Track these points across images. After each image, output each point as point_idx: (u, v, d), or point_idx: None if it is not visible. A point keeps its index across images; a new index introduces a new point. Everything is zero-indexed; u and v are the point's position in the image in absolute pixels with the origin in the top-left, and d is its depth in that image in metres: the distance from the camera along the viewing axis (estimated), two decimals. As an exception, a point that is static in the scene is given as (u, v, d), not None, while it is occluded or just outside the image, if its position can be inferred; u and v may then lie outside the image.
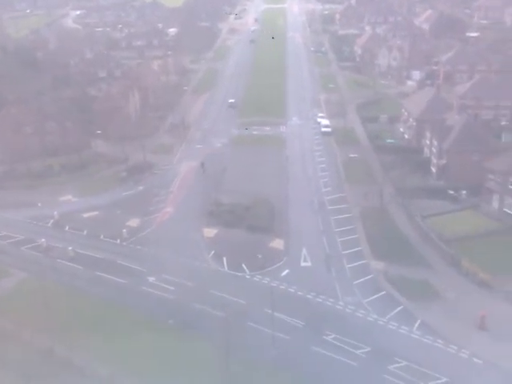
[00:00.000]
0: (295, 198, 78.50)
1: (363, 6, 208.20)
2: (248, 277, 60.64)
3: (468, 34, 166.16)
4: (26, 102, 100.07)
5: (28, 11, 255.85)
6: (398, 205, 74.54)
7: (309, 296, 56.89)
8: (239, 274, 61.23)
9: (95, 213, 75.49)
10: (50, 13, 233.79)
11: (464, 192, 76.60)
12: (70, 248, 66.30)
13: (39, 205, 78.17)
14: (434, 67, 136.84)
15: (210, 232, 69.95)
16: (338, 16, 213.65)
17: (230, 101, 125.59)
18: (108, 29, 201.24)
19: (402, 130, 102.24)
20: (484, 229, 67.91)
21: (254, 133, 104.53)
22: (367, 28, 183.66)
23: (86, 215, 74.96)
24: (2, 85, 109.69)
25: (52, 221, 73.77)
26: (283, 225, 71.12)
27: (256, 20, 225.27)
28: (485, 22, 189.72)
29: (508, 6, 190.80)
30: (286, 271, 61.34)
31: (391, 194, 76.70)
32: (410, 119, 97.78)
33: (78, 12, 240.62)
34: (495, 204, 73.52)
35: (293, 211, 74.86)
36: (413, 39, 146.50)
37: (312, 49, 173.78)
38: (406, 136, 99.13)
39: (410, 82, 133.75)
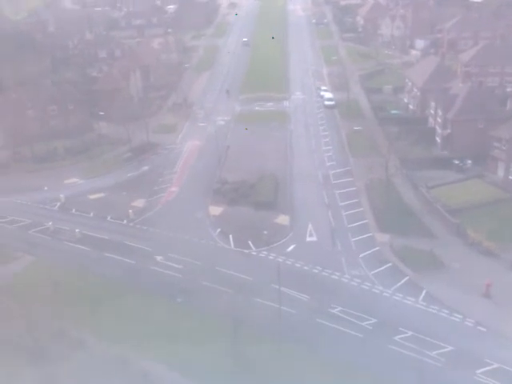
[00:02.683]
0: (300, 173, 78.52)
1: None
2: (254, 253, 61.07)
3: (472, 0, 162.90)
4: (27, 85, 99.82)
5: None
6: (403, 176, 74.37)
7: (315, 270, 57.29)
8: (245, 250, 61.65)
9: (101, 194, 75.87)
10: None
11: (469, 161, 76.32)
12: (78, 230, 66.85)
13: (45, 188, 78.56)
14: (438, 35, 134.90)
15: (216, 210, 70.23)
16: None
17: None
18: (107, 8, 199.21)
19: (406, 100, 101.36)
20: (489, 198, 67.77)
21: (257, 109, 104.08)
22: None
23: (91, 197, 75.34)
24: (3, 68, 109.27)
25: (58, 204, 74.28)
26: (288, 200, 71.24)
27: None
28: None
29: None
30: (292, 246, 61.69)
31: (396, 166, 76.25)
32: (414, 89, 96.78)
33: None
34: (500, 172, 73.25)
35: (297, 186, 74.95)
36: (416, 7, 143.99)
37: (314, 21, 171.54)
38: (411, 106, 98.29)
39: (413, 52, 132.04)
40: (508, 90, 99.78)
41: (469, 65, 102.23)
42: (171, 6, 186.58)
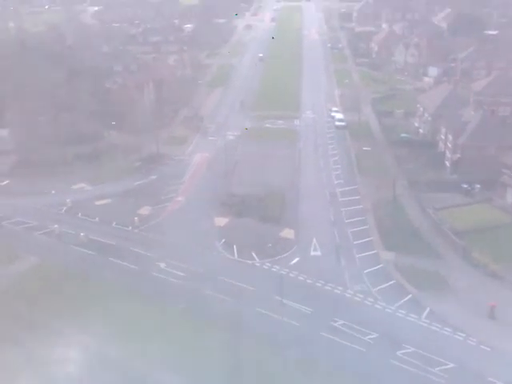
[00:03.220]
0: (307, 190, 78.47)
1: (380, 3, 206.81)
2: (258, 264, 60.72)
3: (486, 32, 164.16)
4: (42, 93, 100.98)
5: (46, 7, 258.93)
6: (411, 197, 74.18)
7: (318, 284, 56.83)
8: (249, 261, 61.32)
9: (108, 200, 75.98)
10: (69, 9, 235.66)
11: (478, 186, 75.96)
12: (83, 234, 66.87)
13: (53, 192, 78.86)
14: (452, 64, 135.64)
15: (221, 221, 70.13)
16: (354, 14, 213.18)
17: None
18: (125, 24, 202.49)
19: (416, 124, 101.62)
20: (497, 222, 67.30)
21: (268, 126, 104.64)
22: (384, 25, 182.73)
23: (98, 203, 75.45)
24: (19, 77, 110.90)
25: (65, 208, 74.50)
26: (294, 215, 71.06)
27: (273, 19, 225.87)
28: (504, 20, 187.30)
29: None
30: (296, 260, 61.31)
31: (404, 187, 76.29)
32: (426, 114, 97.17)
33: (96, 8, 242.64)
34: (509, 198, 72.97)
35: (304, 202, 74.82)
36: (430, 37, 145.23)
37: (329, 45, 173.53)
38: (421, 131, 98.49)
39: (426, 79, 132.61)
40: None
41: (481, 94, 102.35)
42: (188, 25, 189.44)
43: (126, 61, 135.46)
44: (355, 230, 67.24)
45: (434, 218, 68.11)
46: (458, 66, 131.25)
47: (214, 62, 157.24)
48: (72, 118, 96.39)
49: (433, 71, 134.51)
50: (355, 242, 64.46)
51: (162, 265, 60.93)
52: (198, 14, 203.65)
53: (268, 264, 60.60)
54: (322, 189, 78.95)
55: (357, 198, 75.55)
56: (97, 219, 71.40)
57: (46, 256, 63.63)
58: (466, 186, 76.14)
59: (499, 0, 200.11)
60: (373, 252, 62.42)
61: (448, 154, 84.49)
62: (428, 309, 52.32)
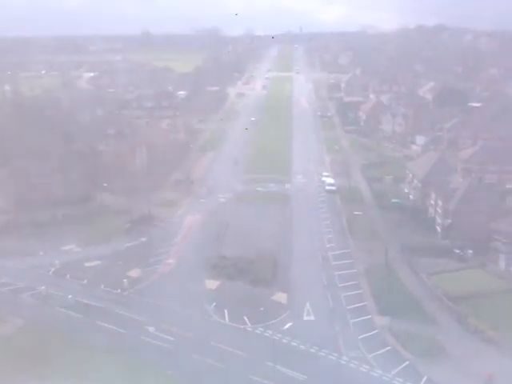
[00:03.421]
0: (299, 253, 77.91)
1: (368, 76, 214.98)
2: (250, 329, 59.27)
3: (470, 104, 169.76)
4: (35, 154, 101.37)
5: (43, 72, 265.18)
6: (403, 262, 73.86)
7: (312, 350, 55.35)
8: (241, 326, 59.89)
9: (97, 262, 74.84)
10: (65, 74, 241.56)
11: (470, 251, 76.00)
12: (70, 296, 65.40)
13: (41, 253, 77.67)
14: (438, 133, 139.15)
15: (212, 284, 69.04)
16: (343, 84, 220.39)
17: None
18: (120, 90, 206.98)
19: (406, 190, 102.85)
20: (491, 287, 66.87)
21: (259, 189, 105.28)
22: (371, 96, 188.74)
23: (87, 264, 74.29)
24: (13, 138, 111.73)
25: (53, 269, 73.19)
26: (287, 279, 70.22)
27: (264, 87, 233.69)
28: (487, 93, 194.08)
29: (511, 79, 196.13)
30: (289, 324, 59.97)
31: (396, 251, 76.10)
32: (415, 181, 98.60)
33: (92, 74, 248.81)
34: (502, 264, 73.00)
35: (296, 266, 74.09)
36: (417, 107, 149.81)
37: (318, 113, 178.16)
38: (411, 197, 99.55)
39: (414, 147, 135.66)
40: (507, 186, 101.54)
41: (468, 162, 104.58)
42: (182, 92, 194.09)
43: (119, 125, 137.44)
44: (349, 294, 66.36)
45: (427, 283, 67.61)
46: (444, 135, 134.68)
47: (206, 127, 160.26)
48: (64, 180, 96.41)
49: (420, 139, 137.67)
50: (349, 307, 63.43)
51: (151, 329, 59.31)
52: (192, 81, 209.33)
53: (260, 329, 59.14)
54: (314, 252, 78.42)
55: (349, 261, 75.09)
56: (85, 281, 70.08)
57: (31, 319, 61.85)
58: (458, 251, 76.18)
59: (481, 75, 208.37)
60: (367, 317, 61.32)
61: (438, 220, 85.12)
62: (425, 377, 50.78)
